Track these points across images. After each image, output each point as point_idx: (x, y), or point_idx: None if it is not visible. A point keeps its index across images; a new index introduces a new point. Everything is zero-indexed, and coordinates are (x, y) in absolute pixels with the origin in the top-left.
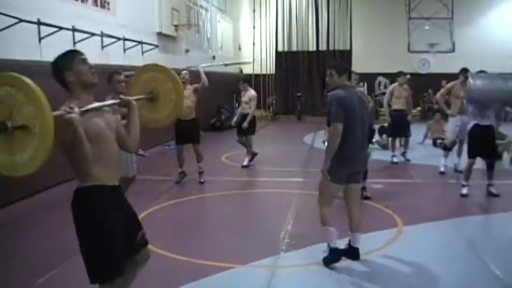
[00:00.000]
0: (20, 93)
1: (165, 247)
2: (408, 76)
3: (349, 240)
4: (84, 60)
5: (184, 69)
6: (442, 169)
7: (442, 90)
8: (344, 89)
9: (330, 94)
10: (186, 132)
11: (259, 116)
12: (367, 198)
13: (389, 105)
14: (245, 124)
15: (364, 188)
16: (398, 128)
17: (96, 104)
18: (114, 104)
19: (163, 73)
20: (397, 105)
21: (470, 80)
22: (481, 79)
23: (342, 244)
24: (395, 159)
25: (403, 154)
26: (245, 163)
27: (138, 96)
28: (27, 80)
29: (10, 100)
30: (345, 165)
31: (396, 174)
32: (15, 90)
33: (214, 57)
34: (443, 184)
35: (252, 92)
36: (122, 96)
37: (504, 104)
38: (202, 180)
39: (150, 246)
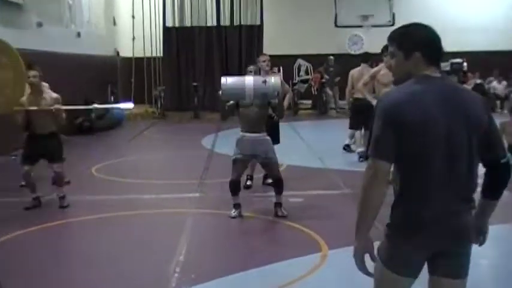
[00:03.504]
0: None
1: None
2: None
3: None
4: None
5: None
6: None
7: (366, 77)
8: (417, 84)
9: (379, 97)
10: (42, 150)
11: (143, 112)
12: (282, 216)
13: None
14: None
15: (279, 205)
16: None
17: None
18: None
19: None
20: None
21: None
22: None
23: None
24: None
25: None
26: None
27: None
28: None
29: None
30: (414, 237)
31: (320, 184)
32: None
33: (79, 35)
34: None
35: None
36: None
37: None
38: (65, 205)
39: None
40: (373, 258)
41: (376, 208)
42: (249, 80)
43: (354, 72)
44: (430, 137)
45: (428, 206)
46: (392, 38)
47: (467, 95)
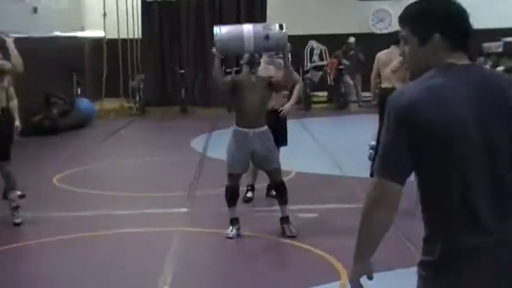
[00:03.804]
0: None
1: None
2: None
3: None
4: None
5: None
6: None
7: (395, 63)
8: (438, 76)
9: (389, 96)
10: None
11: (118, 108)
12: (291, 236)
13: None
14: None
15: (286, 220)
16: None
17: None
18: None
19: None
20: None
21: None
22: None
23: None
24: None
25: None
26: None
27: None
28: None
29: None
30: (458, 277)
31: (336, 195)
32: None
33: (35, 10)
34: (408, 211)
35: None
36: None
37: None
38: (18, 221)
39: None
40: (369, 277)
41: (380, 236)
42: (247, 28)
43: (381, 55)
44: (457, 142)
45: (470, 232)
46: (403, 18)
47: (509, 84)
